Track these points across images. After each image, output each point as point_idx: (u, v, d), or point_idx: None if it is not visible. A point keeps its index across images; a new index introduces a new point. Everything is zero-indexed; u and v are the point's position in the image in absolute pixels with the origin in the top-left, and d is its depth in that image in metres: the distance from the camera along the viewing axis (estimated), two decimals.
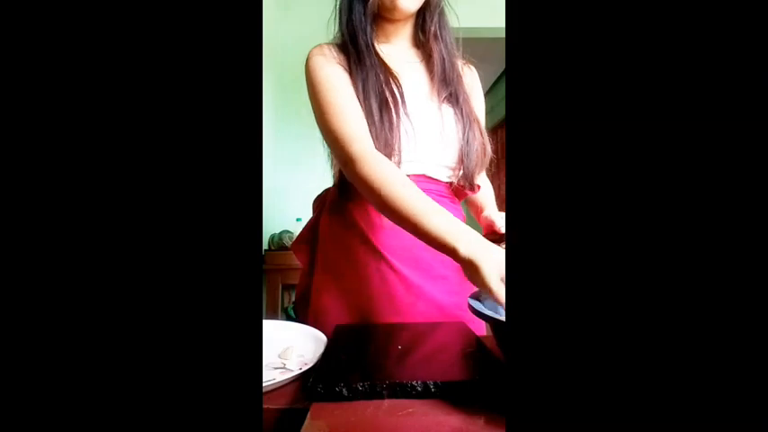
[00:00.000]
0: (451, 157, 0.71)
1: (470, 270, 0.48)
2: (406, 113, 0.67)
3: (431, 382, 0.37)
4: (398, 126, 0.65)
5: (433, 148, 0.70)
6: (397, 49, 0.74)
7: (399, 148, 0.65)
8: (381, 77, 0.68)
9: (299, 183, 2.34)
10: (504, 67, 3.51)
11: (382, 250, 0.69)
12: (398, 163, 0.66)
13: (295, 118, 2.36)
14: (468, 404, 0.36)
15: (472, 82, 0.80)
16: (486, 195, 0.80)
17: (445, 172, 0.72)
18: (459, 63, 0.78)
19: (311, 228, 0.81)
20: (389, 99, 0.66)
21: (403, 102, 0.67)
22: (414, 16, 0.73)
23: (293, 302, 2.29)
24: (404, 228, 0.56)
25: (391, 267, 0.68)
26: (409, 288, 0.68)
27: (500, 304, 0.46)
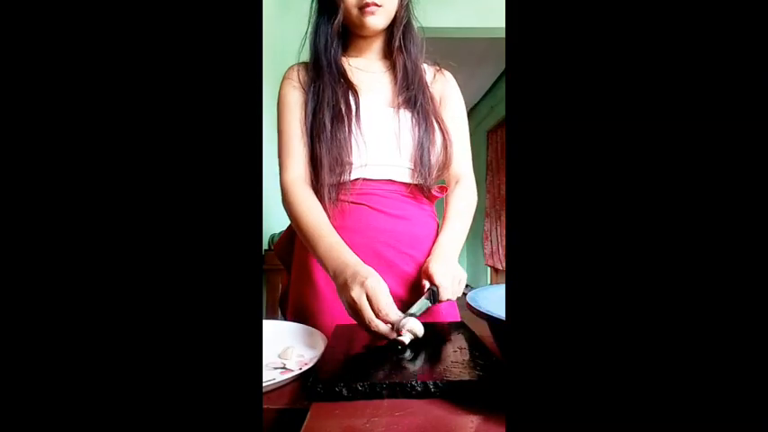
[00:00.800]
0: (409, 160, 0.75)
1: (338, 288, 0.59)
2: (358, 123, 0.74)
3: (431, 382, 0.37)
4: (350, 136, 0.72)
5: (391, 152, 0.75)
6: (366, 62, 0.81)
7: (350, 156, 0.72)
8: (339, 91, 0.75)
9: None
10: (504, 67, 3.52)
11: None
12: (351, 170, 0.73)
13: None
14: (468, 404, 0.36)
15: (445, 87, 0.84)
16: (447, 229, 0.76)
17: (407, 174, 0.76)
18: (431, 70, 0.84)
19: (290, 228, 0.85)
20: (344, 110, 0.73)
21: (357, 112, 0.74)
22: (384, 31, 0.79)
23: (279, 300, 2.30)
24: (305, 243, 0.69)
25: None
26: None
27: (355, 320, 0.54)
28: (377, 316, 0.51)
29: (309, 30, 0.80)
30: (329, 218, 0.73)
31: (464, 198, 0.80)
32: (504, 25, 0.31)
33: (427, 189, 0.78)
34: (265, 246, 2.23)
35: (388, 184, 0.76)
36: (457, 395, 0.37)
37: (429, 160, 0.75)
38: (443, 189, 0.80)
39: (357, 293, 0.53)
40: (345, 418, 0.34)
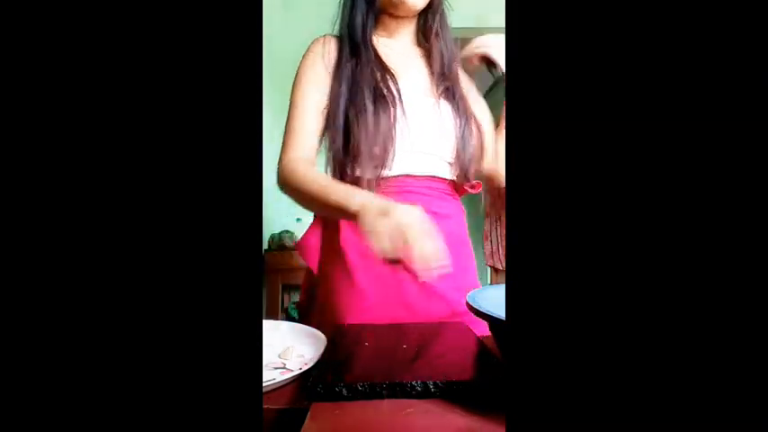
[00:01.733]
0: (449, 153, 0.72)
1: (358, 219, 0.52)
2: (402, 109, 0.67)
3: (431, 382, 0.37)
4: (395, 122, 0.66)
5: (434, 145, 0.70)
6: (399, 45, 0.75)
7: (393, 146, 0.65)
8: (377, 73, 0.68)
9: None
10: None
11: None
12: (392, 163, 0.66)
13: None
14: (468, 404, 0.36)
15: (467, 84, 0.82)
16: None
17: (447, 169, 0.72)
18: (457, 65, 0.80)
19: (317, 226, 0.79)
20: (386, 95, 0.66)
21: (400, 98, 0.68)
22: (416, 16, 0.74)
23: (294, 303, 2.30)
24: (318, 212, 0.65)
25: (405, 267, 0.67)
26: (421, 287, 0.67)
27: (376, 252, 0.48)
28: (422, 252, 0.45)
29: (343, 6, 0.73)
30: None
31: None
32: (503, 25, 0.31)
33: (462, 185, 0.73)
34: (265, 246, 2.23)
35: (431, 181, 0.70)
36: (457, 395, 0.37)
37: (467, 156, 0.71)
38: (478, 185, 0.76)
39: (388, 221, 0.47)
40: (345, 418, 0.34)
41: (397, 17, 0.73)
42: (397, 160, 0.67)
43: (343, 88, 0.67)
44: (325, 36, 0.73)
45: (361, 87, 0.66)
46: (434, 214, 0.66)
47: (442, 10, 0.75)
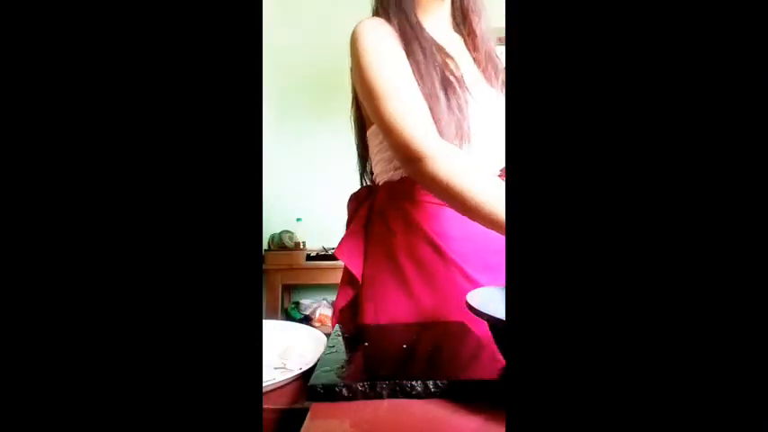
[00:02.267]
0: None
1: None
2: (471, 95, 0.60)
3: (431, 382, 0.37)
4: (466, 109, 0.59)
5: (497, 139, 0.64)
6: (440, 29, 0.69)
7: (470, 133, 0.59)
8: (438, 57, 0.61)
9: (300, 183, 2.34)
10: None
11: (453, 257, 0.64)
12: (468, 150, 0.59)
13: (295, 118, 2.36)
14: (469, 404, 0.36)
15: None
16: None
17: (498, 165, 0.68)
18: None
19: (357, 230, 0.73)
20: (453, 80, 0.60)
21: (464, 83, 0.61)
22: None
23: (294, 303, 2.29)
24: (479, 221, 0.53)
25: (464, 275, 0.64)
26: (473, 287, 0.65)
27: None
28: None
29: None
30: (416, 218, 0.63)
31: None
32: (503, 25, 0.31)
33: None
34: (265, 246, 2.23)
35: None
36: (457, 395, 0.37)
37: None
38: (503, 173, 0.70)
39: None
40: (345, 418, 0.34)
41: None
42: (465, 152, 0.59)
43: (415, 73, 0.59)
44: (373, 18, 0.65)
45: (428, 72, 0.59)
46: None
47: None
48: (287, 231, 2.18)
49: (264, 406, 0.39)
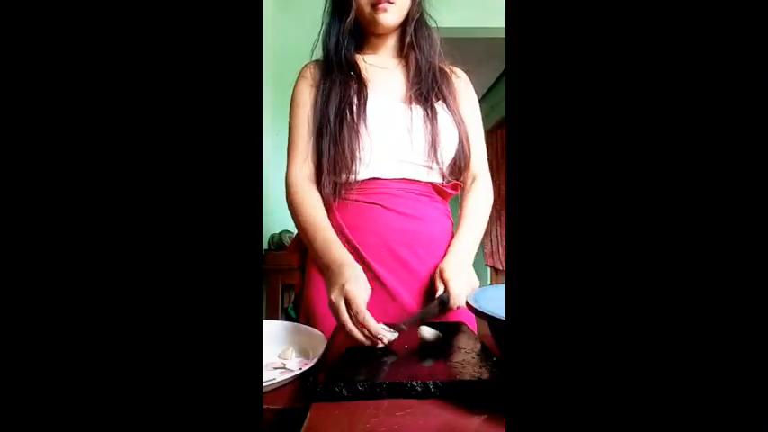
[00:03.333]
0: (423, 156, 0.74)
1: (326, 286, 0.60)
2: (364, 118, 0.72)
3: (431, 382, 0.37)
4: (356, 131, 0.71)
5: (403, 149, 0.73)
6: (381, 59, 0.81)
7: (356, 152, 0.71)
8: (347, 87, 0.74)
9: None
10: (503, 67, 3.52)
11: (360, 248, 0.72)
12: (359, 168, 0.71)
13: None
14: (468, 404, 0.36)
15: (458, 85, 0.83)
16: (462, 229, 0.75)
17: (422, 172, 0.75)
18: (445, 69, 0.83)
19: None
20: (350, 105, 0.72)
21: (364, 106, 0.73)
22: (397, 29, 0.79)
23: (293, 302, 2.30)
24: (304, 242, 0.71)
25: (368, 267, 0.71)
26: (383, 288, 0.71)
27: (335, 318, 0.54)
28: (354, 321, 0.51)
29: (322, 30, 0.81)
30: (336, 216, 0.73)
31: (480, 198, 0.79)
32: (503, 25, 0.31)
33: (441, 186, 0.76)
34: (265, 246, 2.22)
35: (402, 183, 0.74)
36: (457, 395, 0.37)
37: (442, 157, 0.74)
38: (457, 186, 0.79)
39: (336, 296, 0.54)
40: (345, 418, 0.34)
41: (378, 35, 0.79)
42: (366, 165, 0.72)
43: (318, 105, 0.75)
44: (312, 62, 0.82)
45: (328, 102, 0.73)
46: (403, 215, 0.73)
47: (420, 19, 0.80)
48: (287, 231, 2.18)
49: (264, 406, 0.39)
